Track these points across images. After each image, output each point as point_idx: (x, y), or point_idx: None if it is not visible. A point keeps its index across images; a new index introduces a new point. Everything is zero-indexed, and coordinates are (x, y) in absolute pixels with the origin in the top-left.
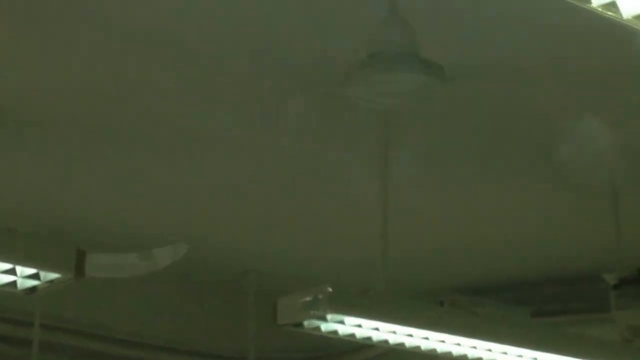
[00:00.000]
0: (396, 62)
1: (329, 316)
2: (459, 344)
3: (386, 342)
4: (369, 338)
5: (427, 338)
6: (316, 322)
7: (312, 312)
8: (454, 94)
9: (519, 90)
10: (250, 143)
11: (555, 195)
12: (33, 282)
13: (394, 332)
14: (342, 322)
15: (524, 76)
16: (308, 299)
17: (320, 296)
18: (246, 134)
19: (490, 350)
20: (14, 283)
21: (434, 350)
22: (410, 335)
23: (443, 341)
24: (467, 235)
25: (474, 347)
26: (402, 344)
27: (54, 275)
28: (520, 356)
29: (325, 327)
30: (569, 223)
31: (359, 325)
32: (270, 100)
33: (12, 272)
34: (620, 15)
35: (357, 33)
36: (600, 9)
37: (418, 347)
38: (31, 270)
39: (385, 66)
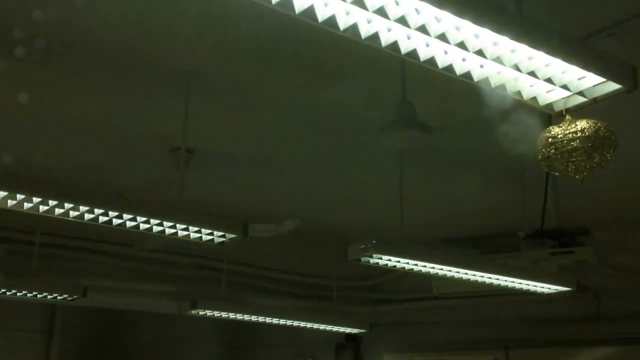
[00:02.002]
0: (405, 125)
1: (374, 255)
2: (441, 269)
3: (403, 268)
4: (394, 266)
5: (424, 266)
6: (367, 258)
7: (364, 253)
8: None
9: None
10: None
11: (490, 187)
12: (222, 239)
13: (407, 262)
14: (381, 258)
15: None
16: (363, 246)
17: (369, 245)
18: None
19: (458, 272)
20: (212, 240)
21: (428, 271)
22: (416, 264)
23: (433, 267)
24: (444, 212)
25: (450, 270)
26: (412, 269)
27: (232, 235)
28: (474, 273)
29: (372, 261)
30: (498, 204)
31: (389, 259)
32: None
33: (211, 234)
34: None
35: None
36: None
37: (420, 271)
38: (221, 233)
39: (402, 126)
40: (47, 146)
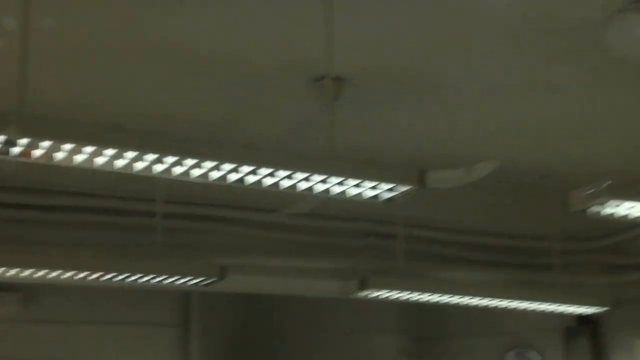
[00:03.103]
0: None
1: (609, 202)
2: None
3: None
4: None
5: None
6: (598, 208)
7: (595, 201)
8: None
9: None
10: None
11: None
12: (391, 194)
13: None
14: (619, 206)
15: None
16: (592, 190)
17: (601, 188)
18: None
19: None
20: (377, 196)
21: None
22: None
23: None
24: None
25: None
26: None
27: (405, 188)
28: None
29: (606, 211)
30: None
31: (633, 207)
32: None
33: (375, 187)
34: None
35: None
36: None
37: None
38: (389, 185)
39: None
40: (157, 91)
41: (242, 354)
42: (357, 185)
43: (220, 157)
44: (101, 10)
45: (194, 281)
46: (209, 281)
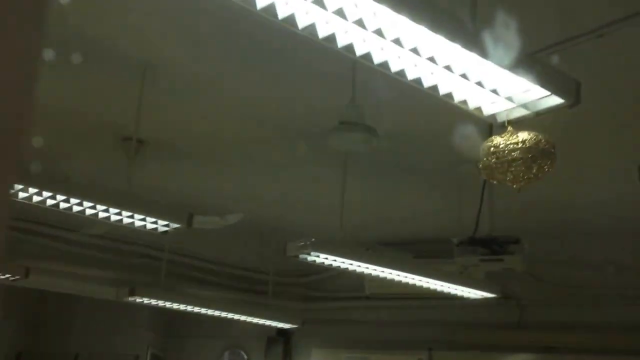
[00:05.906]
0: (352, 128)
1: (312, 253)
2: (374, 269)
3: (339, 266)
4: (331, 264)
5: (359, 266)
6: (305, 255)
7: (303, 250)
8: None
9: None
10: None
11: (429, 194)
12: (166, 228)
13: (343, 262)
14: (318, 256)
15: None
16: (302, 243)
17: (308, 242)
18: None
19: (390, 272)
20: (155, 228)
21: (362, 271)
22: (351, 264)
23: (367, 267)
24: (383, 216)
25: (383, 271)
26: (347, 268)
27: (176, 225)
28: (405, 275)
29: (310, 258)
30: (436, 210)
31: (326, 258)
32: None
33: (155, 222)
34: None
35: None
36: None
37: (354, 271)
38: (165, 222)
39: (348, 128)
40: None
41: (33, 337)
42: (142, 219)
43: (42, 187)
44: None
45: (4, 277)
46: (15, 278)
